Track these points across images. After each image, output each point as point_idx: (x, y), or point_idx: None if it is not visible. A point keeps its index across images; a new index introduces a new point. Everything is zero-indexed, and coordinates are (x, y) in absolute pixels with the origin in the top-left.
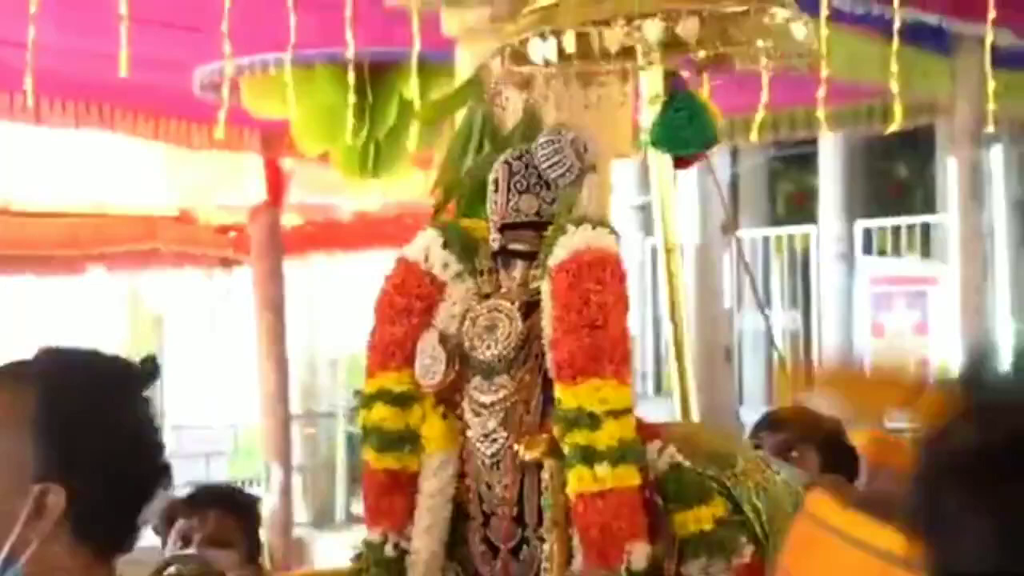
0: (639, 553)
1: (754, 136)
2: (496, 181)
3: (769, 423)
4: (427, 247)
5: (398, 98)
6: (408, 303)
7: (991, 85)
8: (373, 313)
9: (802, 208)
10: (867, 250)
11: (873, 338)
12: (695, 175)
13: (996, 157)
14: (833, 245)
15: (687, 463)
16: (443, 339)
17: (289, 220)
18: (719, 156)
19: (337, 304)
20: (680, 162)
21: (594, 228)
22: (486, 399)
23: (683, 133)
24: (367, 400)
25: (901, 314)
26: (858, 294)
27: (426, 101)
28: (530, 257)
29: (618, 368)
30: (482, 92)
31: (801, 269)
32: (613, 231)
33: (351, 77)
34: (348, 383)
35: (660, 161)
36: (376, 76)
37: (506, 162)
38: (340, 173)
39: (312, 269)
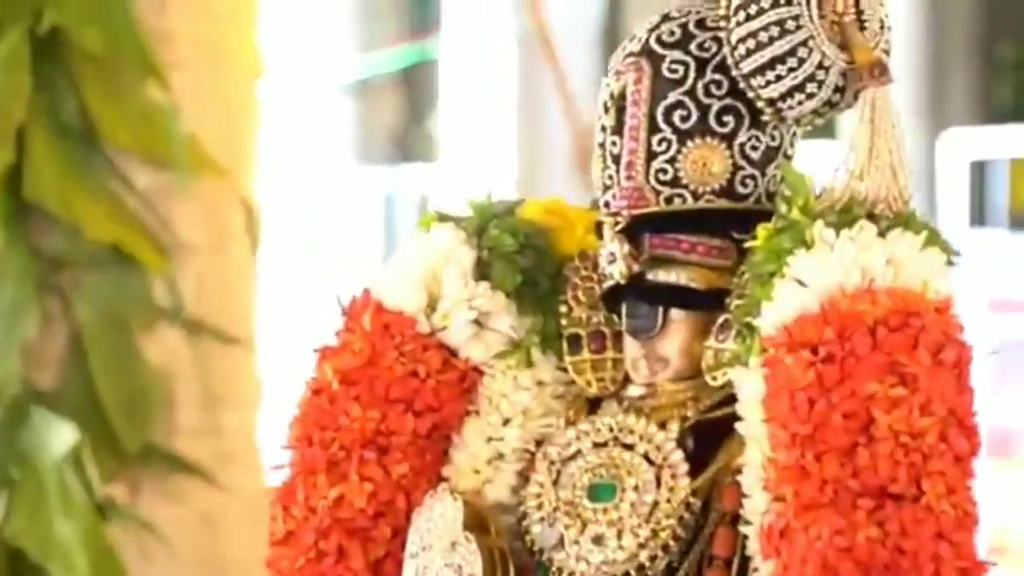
0: None
1: None
2: (616, 100)
3: None
4: (434, 274)
5: None
6: (381, 423)
7: None
8: (289, 450)
9: None
10: None
11: None
12: None
13: None
14: None
15: None
16: (475, 519)
17: None
18: None
19: None
20: None
21: (886, 230)
22: None
23: None
24: None
25: None
26: None
27: None
28: (709, 304)
29: None
30: None
31: None
32: (934, 236)
33: None
34: None
35: None
36: None
37: (646, 51)
38: None
39: None
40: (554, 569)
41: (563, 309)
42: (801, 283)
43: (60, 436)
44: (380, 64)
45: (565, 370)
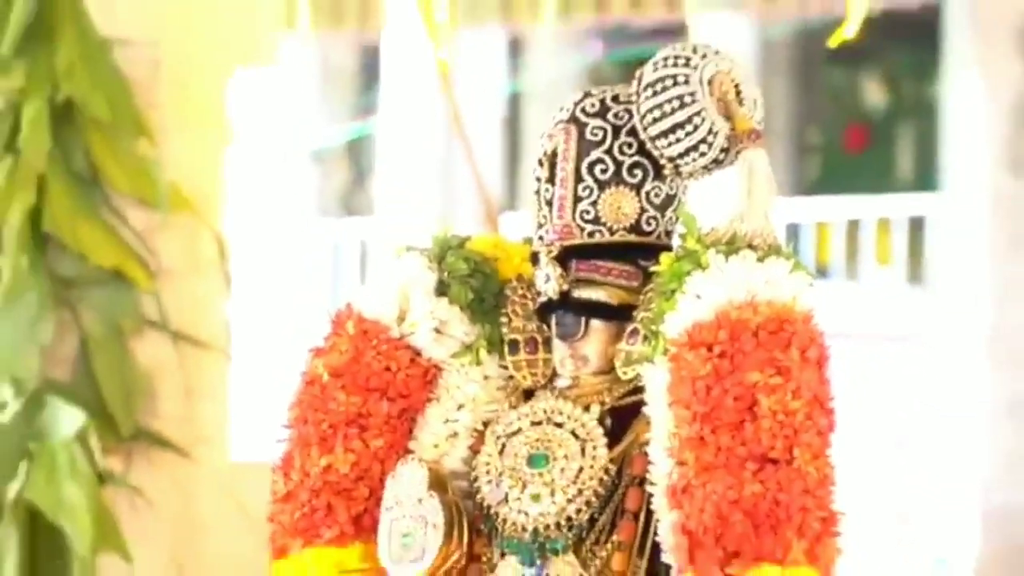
0: None
1: None
2: (549, 157)
3: None
4: (404, 292)
5: None
6: (362, 407)
7: None
8: (287, 428)
9: None
10: None
11: None
12: None
13: None
14: None
15: None
16: (436, 481)
17: None
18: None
19: None
20: None
21: (762, 258)
22: None
23: None
24: None
25: None
26: None
27: None
28: (620, 315)
29: (815, 545)
30: None
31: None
32: (798, 264)
33: None
34: None
35: None
36: None
37: (573, 119)
38: None
39: None
40: (500, 520)
41: (504, 320)
42: (699, 297)
43: (70, 419)
44: (332, 137)
45: (506, 367)
